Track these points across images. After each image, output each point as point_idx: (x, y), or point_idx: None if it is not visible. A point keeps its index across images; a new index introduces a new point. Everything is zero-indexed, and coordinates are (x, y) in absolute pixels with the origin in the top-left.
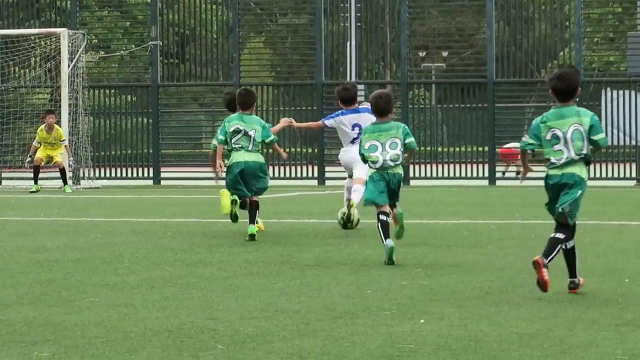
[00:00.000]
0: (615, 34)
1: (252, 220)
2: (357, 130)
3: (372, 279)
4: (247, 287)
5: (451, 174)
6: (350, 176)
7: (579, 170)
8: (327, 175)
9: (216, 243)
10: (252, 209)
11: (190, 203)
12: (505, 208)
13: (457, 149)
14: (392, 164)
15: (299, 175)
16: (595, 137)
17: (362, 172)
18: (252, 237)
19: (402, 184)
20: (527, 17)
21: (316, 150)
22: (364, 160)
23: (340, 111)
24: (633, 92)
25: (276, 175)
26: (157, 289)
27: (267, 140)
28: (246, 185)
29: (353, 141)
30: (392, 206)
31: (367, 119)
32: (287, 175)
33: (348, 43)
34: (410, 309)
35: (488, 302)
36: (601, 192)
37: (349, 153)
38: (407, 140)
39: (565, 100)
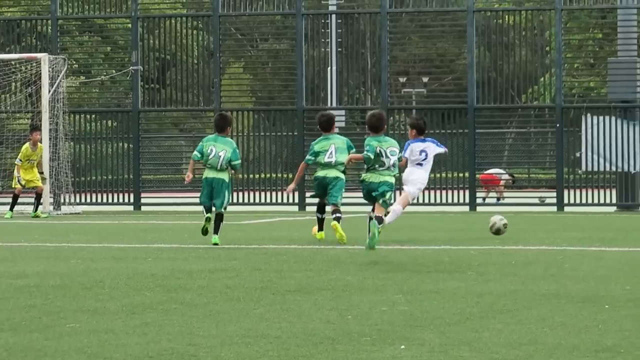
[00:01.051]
0: (596, 60)
1: (216, 231)
2: (423, 155)
3: (352, 304)
4: (228, 312)
5: (432, 200)
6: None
7: None
8: (307, 201)
9: (197, 269)
10: (217, 221)
11: (170, 229)
12: (485, 234)
13: (438, 175)
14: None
15: (279, 201)
16: None
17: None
18: (214, 244)
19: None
20: (507, 42)
21: None
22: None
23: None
24: (613, 118)
25: (257, 200)
26: (138, 315)
27: (232, 163)
28: (213, 200)
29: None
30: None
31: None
32: (268, 200)
33: (329, 68)
34: (390, 335)
35: (468, 328)
36: (581, 218)
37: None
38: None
39: None
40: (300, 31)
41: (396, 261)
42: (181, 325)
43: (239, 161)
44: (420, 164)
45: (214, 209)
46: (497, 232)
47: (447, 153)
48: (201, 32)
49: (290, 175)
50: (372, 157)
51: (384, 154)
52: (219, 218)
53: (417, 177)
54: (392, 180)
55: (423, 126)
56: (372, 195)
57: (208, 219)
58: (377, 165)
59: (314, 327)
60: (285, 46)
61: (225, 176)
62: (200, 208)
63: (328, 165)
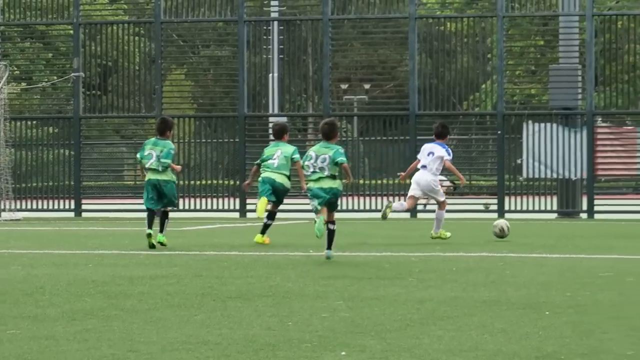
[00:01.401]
0: (537, 67)
1: (162, 230)
2: (430, 157)
3: (293, 311)
4: (169, 319)
5: (373, 207)
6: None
7: None
8: (248, 207)
9: (137, 275)
10: (162, 219)
11: (111, 235)
12: (426, 241)
13: (379, 182)
14: None
15: (220, 207)
16: None
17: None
18: (160, 244)
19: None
20: (449, 49)
21: (237, 182)
22: None
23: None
24: (554, 125)
25: (197, 207)
26: (78, 321)
27: (162, 161)
28: (157, 199)
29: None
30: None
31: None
32: (209, 207)
33: (270, 75)
34: (331, 341)
35: (409, 335)
36: (522, 225)
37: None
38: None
39: None
40: (242, 38)
41: (337, 267)
42: (122, 331)
43: (169, 160)
44: (425, 166)
45: (157, 226)
46: (501, 232)
47: (450, 160)
48: (143, 39)
49: (231, 182)
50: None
51: (313, 158)
52: (165, 216)
53: (420, 180)
54: (335, 184)
55: (441, 130)
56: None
57: (149, 235)
58: (310, 172)
59: (255, 333)
60: (227, 53)
61: (167, 176)
62: (141, 215)
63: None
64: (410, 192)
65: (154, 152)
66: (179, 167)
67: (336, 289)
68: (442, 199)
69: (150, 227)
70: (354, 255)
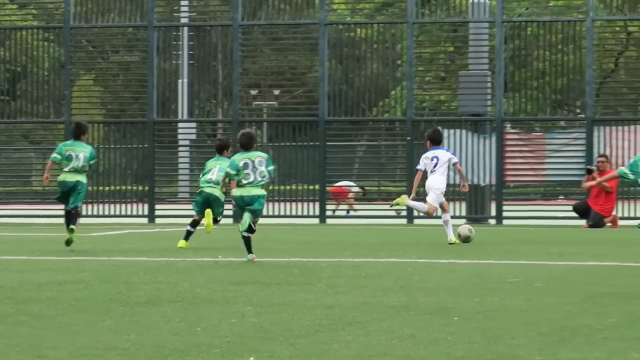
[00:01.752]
0: (447, 73)
1: (74, 222)
2: (435, 160)
3: (201, 316)
4: (77, 324)
5: (282, 212)
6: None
7: None
8: (157, 213)
9: (46, 280)
10: (73, 218)
11: (20, 240)
12: (335, 246)
13: (288, 187)
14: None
15: (129, 212)
16: None
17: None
18: (68, 243)
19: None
20: (359, 55)
21: (146, 188)
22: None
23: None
24: (464, 131)
25: (106, 212)
26: None
27: (91, 163)
28: (71, 199)
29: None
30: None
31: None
32: (117, 212)
33: (180, 81)
34: (240, 347)
35: (318, 340)
36: (431, 231)
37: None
38: None
39: None
40: (151, 43)
41: (246, 273)
42: (30, 337)
43: (95, 160)
44: (434, 170)
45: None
46: (467, 239)
47: (457, 162)
48: (52, 44)
49: (140, 188)
50: (233, 173)
51: (250, 165)
52: (77, 215)
53: (431, 183)
54: (264, 192)
55: (437, 137)
56: (246, 208)
57: (72, 230)
58: (243, 180)
59: (163, 339)
60: (137, 58)
61: (83, 178)
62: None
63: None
64: (434, 204)
65: (74, 153)
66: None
67: (245, 294)
68: (434, 203)
69: (68, 225)
70: (263, 261)
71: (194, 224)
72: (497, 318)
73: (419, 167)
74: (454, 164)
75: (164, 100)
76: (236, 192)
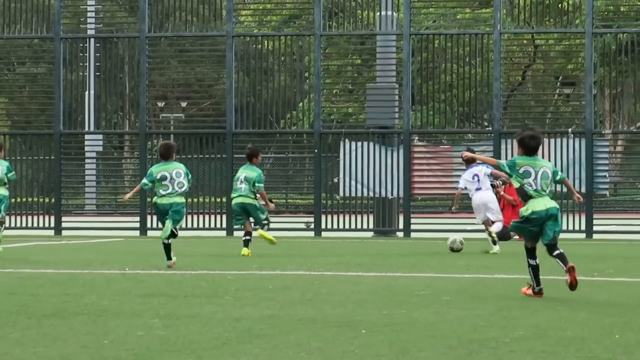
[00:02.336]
0: (354, 86)
1: None
2: (476, 178)
3: (109, 329)
4: None
5: (189, 225)
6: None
7: None
8: (64, 225)
9: None
10: None
11: None
12: (242, 259)
13: (195, 200)
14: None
15: (35, 225)
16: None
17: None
18: None
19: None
20: (266, 68)
21: (53, 199)
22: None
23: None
24: (372, 144)
25: (12, 224)
26: None
27: (8, 175)
28: None
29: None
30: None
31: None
32: (24, 224)
33: (87, 92)
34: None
35: (225, 353)
36: (339, 243)
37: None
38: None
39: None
40: (58, 55)
41: (153, 285)
42: None
43: (13, 172)
44: (479, 188)
45: None
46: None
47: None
48: None
49: (47, 200)
50: (149, 184)
51: (168, 178)
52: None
53: (484, 200)
54: (182, 200)
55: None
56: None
57: None
58: (161, 191)
59: (70, 351)
60: (43, 70)
61: (3, 190)
62: None
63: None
64: (482, 220)
65: None
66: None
67: (152, 307)
68: (499, 216)
69: None
70: (170, 274)
71: (247, 234)
72: (405, 331)
73: (459, 185)
74: (489, 175)
75: (70, 112)
76: (156, 201)
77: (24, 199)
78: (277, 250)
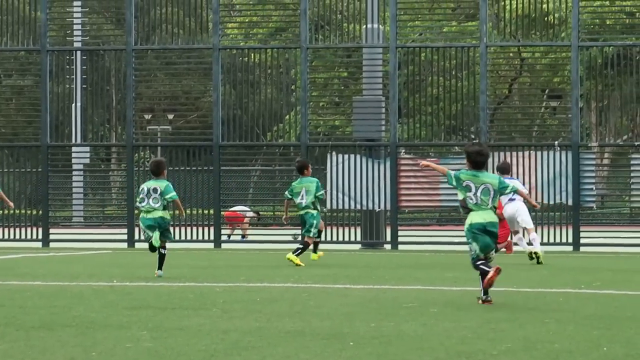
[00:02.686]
0: (341, 99)
1: None
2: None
3: (97, 341)
4: None
5: (176, 237)
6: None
7: None
8: (51, 237)
9: None
10: None
11: None
12: (230, 271)
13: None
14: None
15: (23, 237)
16: None
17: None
18: None
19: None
20: (253, 80)
21: (40, 211)
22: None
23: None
24: (358, 156)
25: (0, 237)
26: None
27: None
28: None
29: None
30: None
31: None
32: (11, 236)
33: (73, 105)
34: None
35: None
36: (326, 256)
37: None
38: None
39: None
40: (44, 67)
41: (141, 298)
42: None
43: None
44: (512, 199)
45: None
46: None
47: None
48: None
49: (34, 212)
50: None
51: (146, 192)
52: None
53: (517, 210)
54: (163, 213)
55: (506, 167)
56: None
57: None
58: (142, 204)
59: None
60: (30, 82)
61: None
62: None
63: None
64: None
65: None
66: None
67: (140, 319)
68: (530, 225)
69: None
70: (157, 286)
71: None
72: (393, 343)
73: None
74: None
75: (57, 124)
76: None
77: (12, 211)
78: (265, 262)
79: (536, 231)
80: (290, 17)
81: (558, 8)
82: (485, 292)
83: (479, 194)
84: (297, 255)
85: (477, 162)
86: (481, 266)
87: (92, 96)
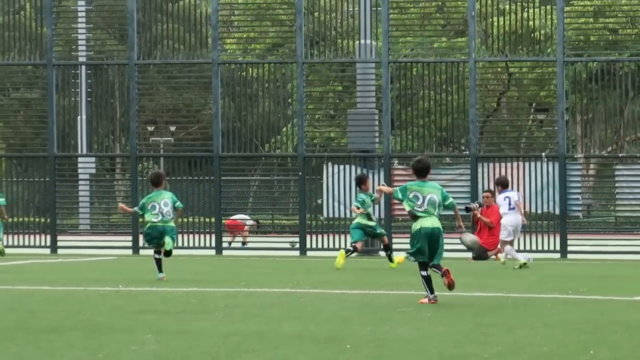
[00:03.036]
0: (336, 111)
1: None
2: (507, 201)
3: (103, 344)
4: None
5: (179, 244)
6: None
7: None
8: (59, 244)
9: None
10: None
11: None
12: (231, 277)
13: (185, 220)
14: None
15: (32, 243)
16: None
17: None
18: None
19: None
20: (251, 94)
21: (48, 219)
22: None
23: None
24: (353, 167)
25: (9, 243)
26: None
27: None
28: None
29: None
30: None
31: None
32: (21, 243)
33: (79, 117)
34: None
35: None
36: (323, 262)
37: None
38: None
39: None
40: (51, 81)
41: (146, 302)
42: None
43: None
44: (513, 208)
45: None
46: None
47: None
48: None
49: (42, 219)
50: (139, 212)
51: (157, 207)
52: None
53: (514, 222)
54: (172, 225)
55: (506, 182)
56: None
57: None
58: (152, 218)
59: None
60: (37, 95)
61: None
62: None
63: None
64: (506, 239)
65: None
66: None
67: (145, 323)
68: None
69: None
70: (161, 291)
71: (354, 249)
72: (389, 346)
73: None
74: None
75: (63, 135)
76: (150, 225)
77: (21, 219)
78: (265, 268)
79: (524, 239)
80: (287, 33)
81: (544, 25)
82: (432, 292)
83: (425, 204)
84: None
85: (417, 169)
86: (421, 272)
87: (97, 109)
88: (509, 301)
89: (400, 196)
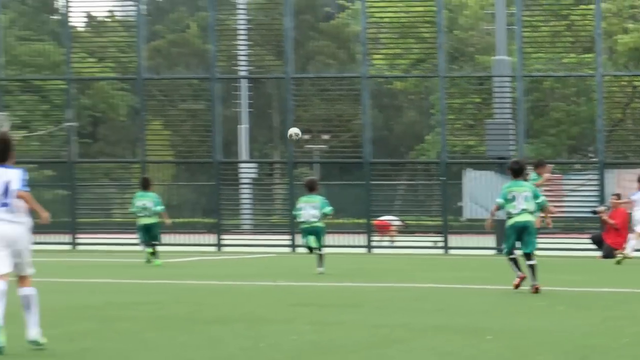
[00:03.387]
0: (474, 121)
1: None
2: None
3: (265, 334)
4: (156, 340)
5: (333, 243)
6: None
7: None
8: (223, 242)
9: (127, 301)
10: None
11: (105, 266)
12: (381, 273)
13: (338, 221)
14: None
15: (199, 242)
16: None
17: None
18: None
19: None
20: (397, 105)
21: (214, 220)
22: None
23: None
24: (491, 172)
25: (178, 242)
26: (76, 341)
27: (158, 208)
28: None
29: None
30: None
31: None
32: (189, 242)
33: (240, 126)
34: None
35: (368, 355)
36: (464, 260)
37: None
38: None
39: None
40: (214, 93)
41: (303, 296)
42: (115, 351)
43: (162, 206)
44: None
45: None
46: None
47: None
48: (127, 93)
49: (209, 220)
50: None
51: (306, 207)
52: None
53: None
54: (320, 223)
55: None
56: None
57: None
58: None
59: (231, 353)
60: (202, 106)
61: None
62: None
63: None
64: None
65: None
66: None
67: (302, 314)
68: None
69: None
70: (317, 285)
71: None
72: (525, 337)
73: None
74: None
75: (226, 143)
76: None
77: (189, 219)
78: (411, 265)
79: None
80: (429, 49)
81: None
82: (519, 269)
83: (522, 201)
84: None
85: (513, 170)
86: (511, 261)
87: (257, 119)
88: (636, 296)
89: (501, 200)
